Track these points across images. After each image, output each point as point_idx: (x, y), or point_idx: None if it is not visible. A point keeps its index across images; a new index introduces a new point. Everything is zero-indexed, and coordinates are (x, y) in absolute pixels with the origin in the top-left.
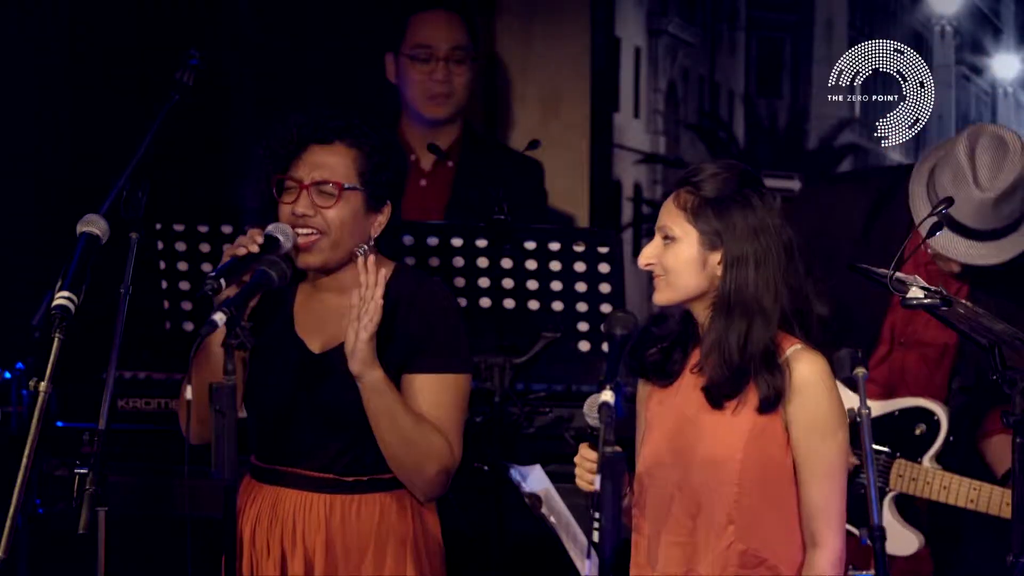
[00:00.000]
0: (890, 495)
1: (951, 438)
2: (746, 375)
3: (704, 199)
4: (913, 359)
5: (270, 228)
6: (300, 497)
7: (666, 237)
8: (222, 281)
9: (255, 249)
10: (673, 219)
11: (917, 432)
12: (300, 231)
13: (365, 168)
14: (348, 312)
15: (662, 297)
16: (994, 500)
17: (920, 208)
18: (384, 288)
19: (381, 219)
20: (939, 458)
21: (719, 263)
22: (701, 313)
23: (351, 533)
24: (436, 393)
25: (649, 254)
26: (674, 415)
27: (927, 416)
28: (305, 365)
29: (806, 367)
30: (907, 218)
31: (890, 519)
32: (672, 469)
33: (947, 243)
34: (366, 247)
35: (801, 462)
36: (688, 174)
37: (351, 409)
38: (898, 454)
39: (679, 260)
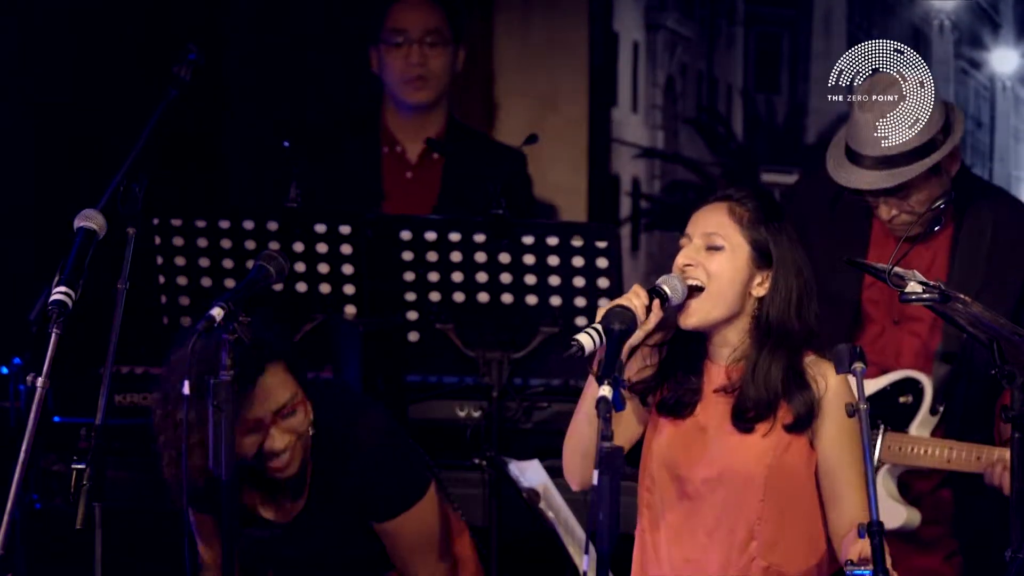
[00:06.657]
0: (884, 468)
1: (939, 407)
2: (779, 397)
3: (759, 216)
4: (907, 336)
5: None
6: None
7: (711, 246)
8: None
9: None
10: (723, 228)
11: (901, 401)
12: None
13: None
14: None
15: (698, 313)
16: (967, 457)
17: (831, 154)
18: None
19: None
20: (934, 430)
21: (760, 283)
22: (723, 336)
23: None
24: (410, 533)
25: (691, 256)
26: (689, 431)
27: (913, 386)
28: (275, 537)
29: (833, 379)
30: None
31: (883, 493)
32: (685, 484)
33: (846, 174)
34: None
35: (845, 469)
36: (731, 192)
37: (335, 562)
38: (889, 428)
39: (724, 268)
